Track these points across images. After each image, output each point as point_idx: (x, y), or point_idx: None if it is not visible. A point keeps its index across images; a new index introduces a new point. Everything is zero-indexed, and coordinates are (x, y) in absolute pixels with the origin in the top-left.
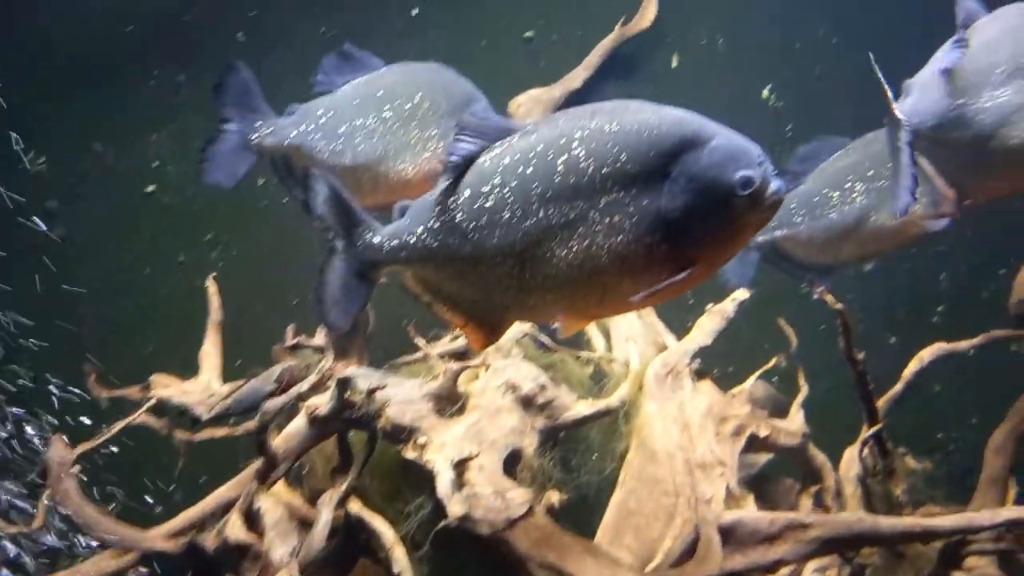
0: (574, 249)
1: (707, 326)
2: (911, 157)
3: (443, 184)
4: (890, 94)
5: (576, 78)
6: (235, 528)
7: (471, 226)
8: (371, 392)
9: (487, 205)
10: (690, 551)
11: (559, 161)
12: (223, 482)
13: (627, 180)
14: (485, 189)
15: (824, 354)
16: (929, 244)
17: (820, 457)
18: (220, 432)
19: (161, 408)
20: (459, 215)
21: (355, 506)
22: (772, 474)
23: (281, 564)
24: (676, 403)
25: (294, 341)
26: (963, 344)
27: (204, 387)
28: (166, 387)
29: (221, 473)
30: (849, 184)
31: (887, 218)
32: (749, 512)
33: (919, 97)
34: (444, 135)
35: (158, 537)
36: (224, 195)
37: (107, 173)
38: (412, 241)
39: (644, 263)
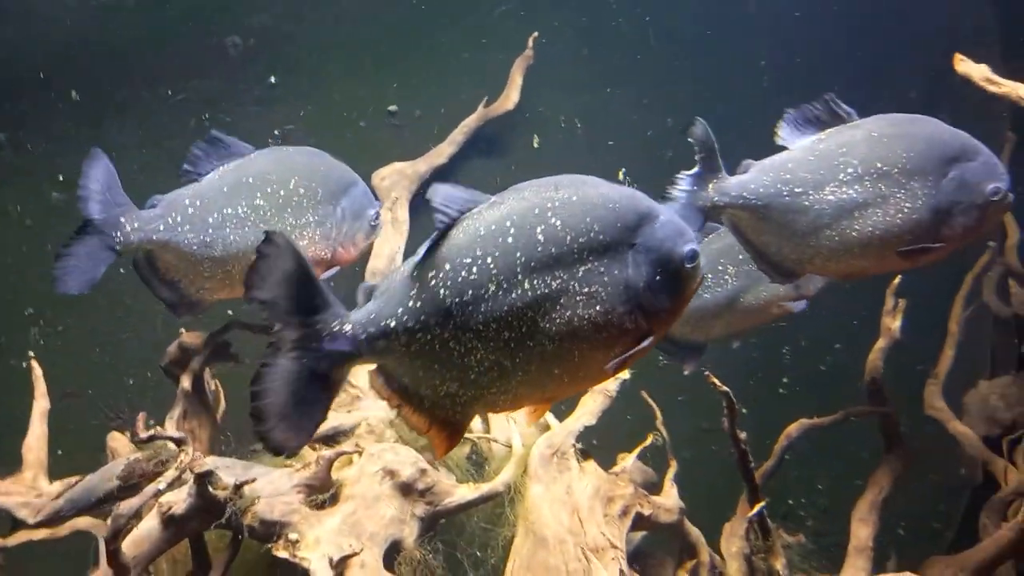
0: (556, 321)
1: (591, 406)
2: (685, 211)
3: (418, 258)
4: (698, 160)
5: (442, 153)
6: None
7: (454, 303)
8: (238, 487)
9: (471, 278)
10: None
11: (538, 231)
12: None
13: (600, 250)
14: (467, 260)
15: (684, 424)
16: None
17: (695, 532)
18: (39, 534)
19: None
20: (442, 291)
21: None
22: (647, 550)
23: None
24: (563, 485)
25: (149, 433)
26: (825, 420)
27: (29, 485)
28: None
29: None
30: (722, 267)
31: (754, 298)
32: None
33: (754, 176)
34: (320, 222)
35: None
36: (47, 263)
37: None
38: (393, 326)
39: (617, 332)
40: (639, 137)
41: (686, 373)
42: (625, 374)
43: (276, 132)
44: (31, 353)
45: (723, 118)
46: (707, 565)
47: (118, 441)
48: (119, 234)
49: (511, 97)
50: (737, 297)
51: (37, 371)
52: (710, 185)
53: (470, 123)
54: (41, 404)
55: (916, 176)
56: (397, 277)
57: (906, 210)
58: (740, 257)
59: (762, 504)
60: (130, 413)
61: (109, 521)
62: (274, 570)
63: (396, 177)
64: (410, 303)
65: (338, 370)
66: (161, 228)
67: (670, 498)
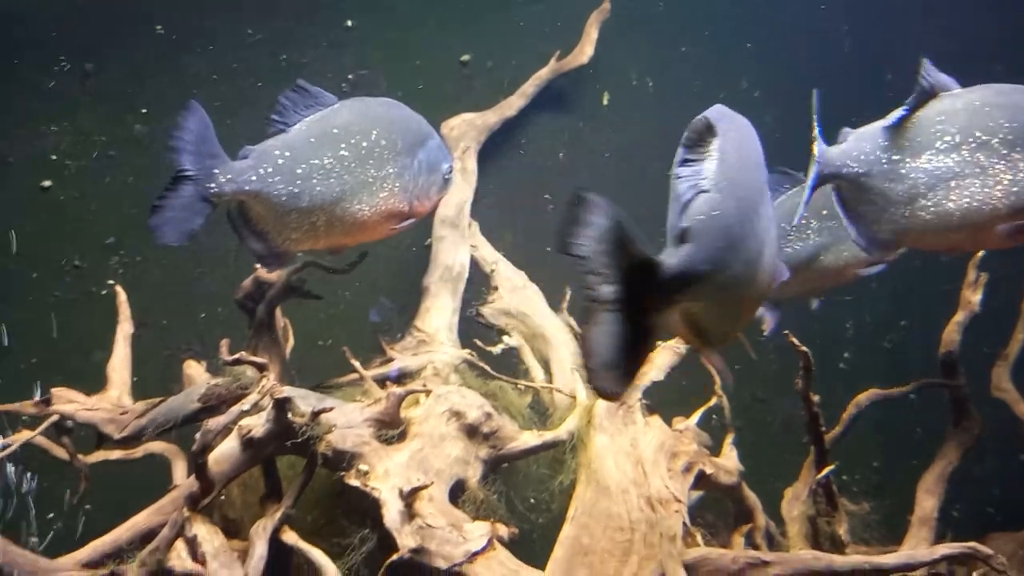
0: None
1: (659, 361)
2: (810, 194)
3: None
4: (818, 131)
5: (512, 106)
6: (181, 558)
7: None
8: (316, 415)
9: None
10: None
11: None
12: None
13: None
14: None
15: (739, 393)
16: (836, 293)
17: (752, 497)
18: (115, 454)
19: (62, 426)
20: None
21: (290, 537)
22: (699, 514)
23: None
24: (628, 437)
25: (235, 356)
26: (896, 391)
27: (114, 403)
28: (69, 402)
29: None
30: (804, 221)
31: (834, 258)
32: (712, 549)
33: (852, 145)
34: (399, 174)
35: (72, 566)
36: (129, 194)
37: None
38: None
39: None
40: (711, 98)
41: (765, 333)
42: None
43: (349, 76)
44: (111, 281)
45: (805, 82)
46: (763, 531)
47: (193, 369)
48: (214, 185)
49: (585, 51)
50: (817, 255)
51: (122, 296)
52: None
53: (542, 76)
54: (125, 327)
55: (1019, 148)
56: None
57: (1006, 183)
58: (823, 213)
59: (831, 467)
60: (202, 345)
61: (198, 436)
62: (342, 499)
63: (465, 128)
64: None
65: (656, 316)
66: (253, 179)
67: (731, 460)
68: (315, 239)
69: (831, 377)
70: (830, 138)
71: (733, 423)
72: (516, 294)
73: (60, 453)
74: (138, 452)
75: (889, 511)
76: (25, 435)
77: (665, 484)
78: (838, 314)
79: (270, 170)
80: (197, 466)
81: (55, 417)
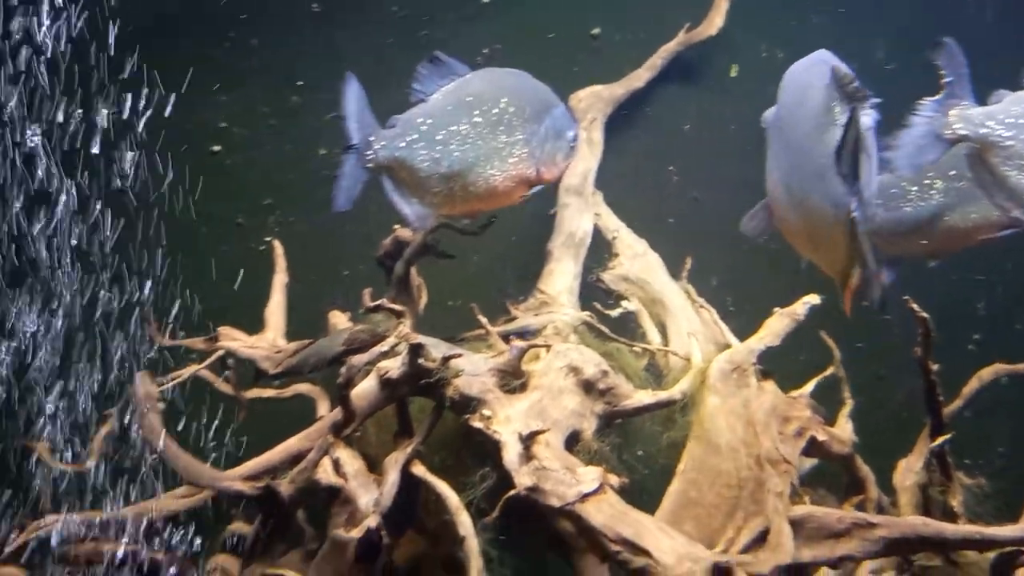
0: None
1: (776, 327)
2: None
3: None
4: (944, 86)
5: (640, 78)
6: (326, 472)
7: None
8: (446, 360)
9: None
10: (759, 541)
11: None
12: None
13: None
14: None
15: (860, 371)
16: (969, 271)
17: (865, 469)
18: (268, 392)
19: (224, 361)
20: None
21: (419, 470)
22: (809, 483)
23: (367, 511)
24: (741, 399)
25: (376, 303)
26: (1022, 367)
27: (270, 343)
28: (233, 340)
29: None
30: (929, 180)
31: (960, 219)
32: (818, 508)
33: (1005, 107)
34: (527, 140)
35: (235, 478)
36: (287, 161)
37: (179, 129)
38: None
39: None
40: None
41: (884, 284)
42: (815, 298)
43: (484, 50)
44: (268, 238)
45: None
46: (875, 503)
47: (337, 318)
48: (371, 153)
49: (714, 22)
50: (941, 215)
51: (279, 249)
52: (953, 113)
53: (670, 48)
54: (281, 277)
55: None
56: None
57: None
58: (951, 173)
59: (947, 437)
60: (344, 299)
61: (343, 370)
62: (467, 440)
63: (592, 99)
64: None
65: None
66: (401, 145)
67: (844, 431)
68: (452, 203)
69: (960, 359)
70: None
71: (852, 399)
72: (636, 261)
73: (224, 387)
74: (288, 391)
75: (1008, 488)
76: (193, 368)
77: (775, 445)
78: (969, 294)
79: (415, 137)
80: (341, 397)
81: (221, 352)
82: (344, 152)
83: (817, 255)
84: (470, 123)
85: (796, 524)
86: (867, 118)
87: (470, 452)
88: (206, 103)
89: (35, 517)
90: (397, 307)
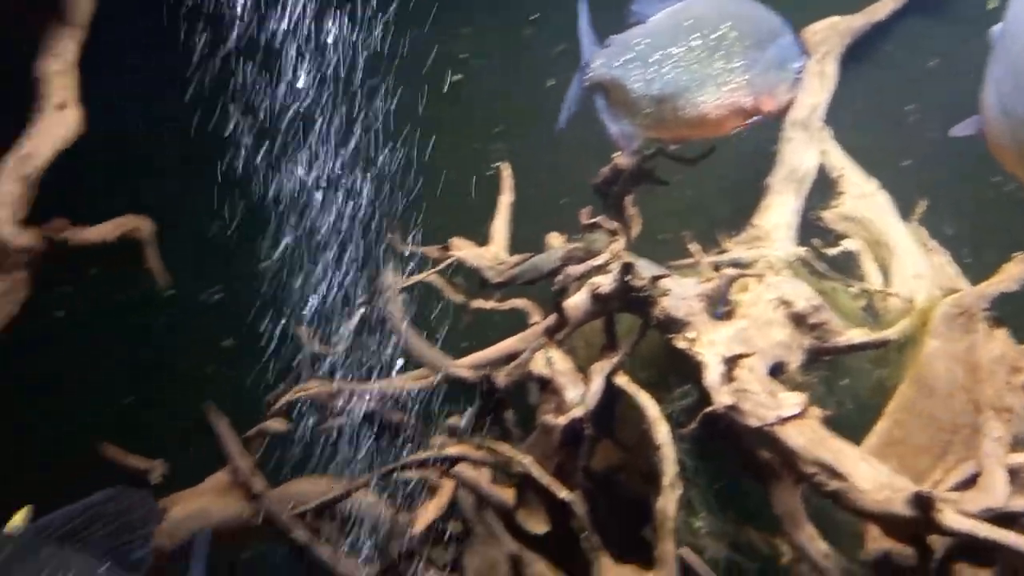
0: None
1: (1014, 272)
2: None
3: None
4: None
5: (883, 9)
6: (539, 364)
7: None
8: (655, 279)
9: None
10: (968, 484)
11: None
12: None
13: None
14: None
15: None
16: None
17: None
18: (489, 305)
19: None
20: None
21: (622, 379)
22: None
23: (572, 404)
24: (965, 345)
25: (594, 220)
26: None
27: (494, 256)
28: (462, 249)
29: None
30: None
31: None
32: None
33: None
34: (747, 68)
35: (461, 366)
36: (516, 90)
37: (417, 59)
38: None
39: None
40: None
41: None
42: None
43: None
44: (496, 164)
45: None
46: None
47: (555, 239)
48: (591, 71)
49: None
50: None
51: (507, 172)
52: None
53: None
54: (507, 197)
55: None
56: None
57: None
58: None
59: None
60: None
61: (559, 279)
62: (670, 360)
63: (828, 32)
64: None
65: None
66: (616, 65)
67: None
68: (661, 127)
69: None
70: None
71: None
72: (862, 201)
73: (451, 293)
74: (505, 305)
75: None
76: (429, 273)
77: (999, 394)
78: None
79: (630, 56)
80: (555, 304)
81: (451, 260)
82: (579, 70)
83: None
84: (687, 46)
85: (1013, 473)
86: None
87: (673, 371)
88: (447, 36)
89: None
90: (612, 224)
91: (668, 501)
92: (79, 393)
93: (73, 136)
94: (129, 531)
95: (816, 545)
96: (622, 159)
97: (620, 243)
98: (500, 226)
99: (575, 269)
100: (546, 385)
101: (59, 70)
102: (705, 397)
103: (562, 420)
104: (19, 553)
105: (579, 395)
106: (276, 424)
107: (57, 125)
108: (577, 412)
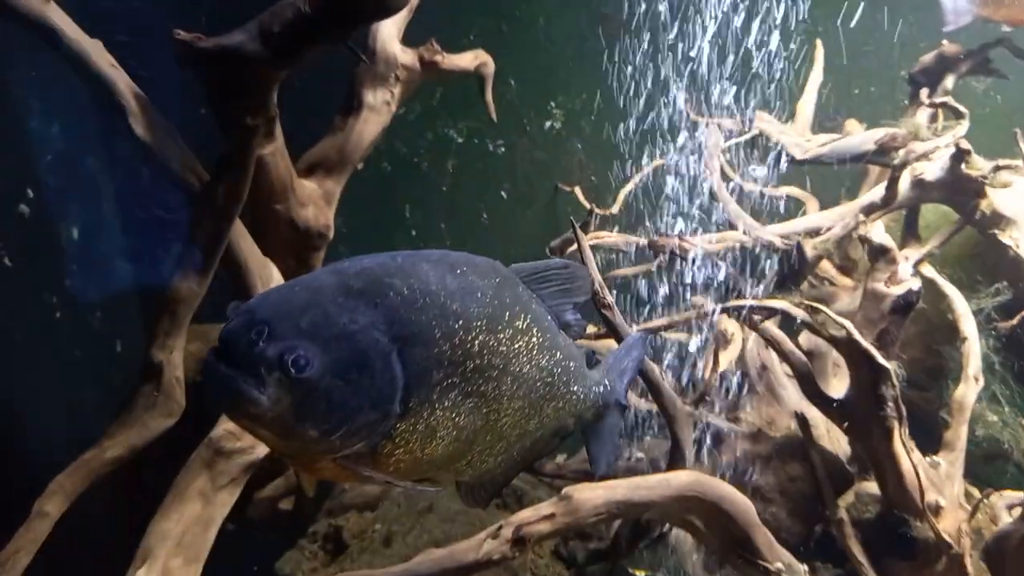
0: None
1: None
2: None
3: None
4: None
5: None
6: (878, 234)
7: None
8: (996, 168)
9: None
10: None
11: None
12: None
13: None
14: None
15: None
16: None
17: None
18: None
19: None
20: None
21: (929, 270)
22: None
23: (905, 276)
24: None
25: (931, 101)
26: None
27: (799, 133)
28: (766, 123)
29: None
30: None
31: None
32: None
33: None
34: None
35: (771, 233)
36: None
37: None
38: None
39: None
40: None
41: None
42: None
43: None
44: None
45: None
46: None
47: (852, 125)
48: None
49: None
50: None
51: (820, 51)
52: None
53: None
54: (816, 75)
55: None
56: None
57: None
58: None
59: None
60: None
61: (901, 152)
62: (979, 258)
63: None
64: None
65: None
66: None
67: None
68: (999, 5)
69: None
70: None
71: None
72: None
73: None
74: (781, 191)
75: None
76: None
77: None
78: None
79: None
80: (891, 179)
81: (755, 131)
82: None
83: None
84: None
85: None
86: None
87: (980, 270)
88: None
89: None
90: (959, 106)
91: (968, 391)
92: None
93: None
94: (569, 295)
95: None
96: (949, 46)
97: (964, 126)
98: (805, 105)
99: (921, 146)
100: (885, 254)
101: None
102: (1022, 297)
103: (896, 289)
104: (507, 282)
105: (909, 267)
106: None
107: None
108: (914, 284)
